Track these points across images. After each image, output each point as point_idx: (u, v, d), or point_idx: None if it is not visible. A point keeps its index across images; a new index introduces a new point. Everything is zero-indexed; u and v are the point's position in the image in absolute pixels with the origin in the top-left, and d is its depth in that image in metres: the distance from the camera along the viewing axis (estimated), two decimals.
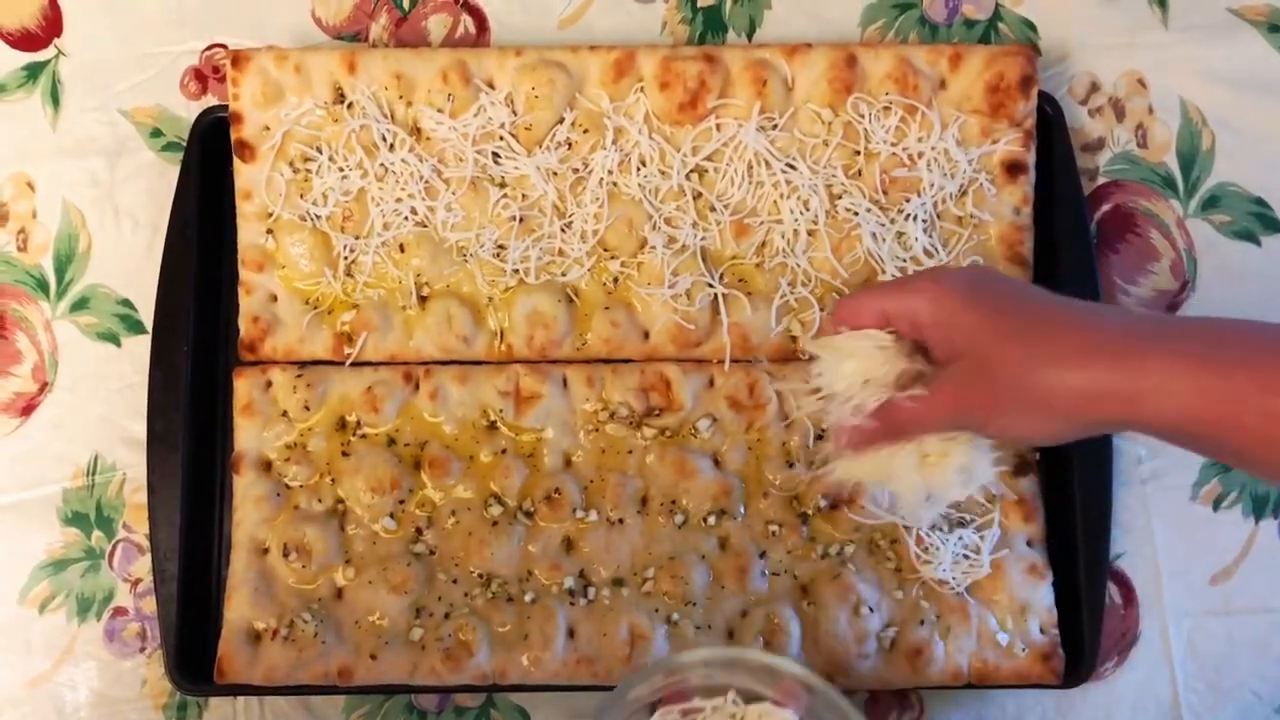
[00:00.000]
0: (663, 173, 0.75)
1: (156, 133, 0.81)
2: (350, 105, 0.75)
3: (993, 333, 0.53)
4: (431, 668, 0.71)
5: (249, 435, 0.74)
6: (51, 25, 0.82)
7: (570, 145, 0.75)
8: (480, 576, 0.73)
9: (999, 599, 0.72)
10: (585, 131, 0.75)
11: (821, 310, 0.74)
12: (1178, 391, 0.49)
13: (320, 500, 0.73)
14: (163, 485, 0.73)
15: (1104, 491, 0.74)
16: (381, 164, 0.75)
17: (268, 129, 0.75)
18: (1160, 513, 0.77)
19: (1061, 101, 0.78)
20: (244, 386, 0.74)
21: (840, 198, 0.75)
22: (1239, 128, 0.80)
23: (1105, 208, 0.80)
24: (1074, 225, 0.76)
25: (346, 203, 0.75)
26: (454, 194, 0.75)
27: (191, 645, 0.72)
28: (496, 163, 0.75)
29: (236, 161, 0.75)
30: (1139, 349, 0.50)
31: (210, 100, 0.81)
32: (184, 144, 0.77)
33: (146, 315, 0.78)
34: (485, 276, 0.75)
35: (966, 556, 0.72)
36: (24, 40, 0.82)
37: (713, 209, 0.75)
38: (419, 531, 0.73)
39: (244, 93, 0.74)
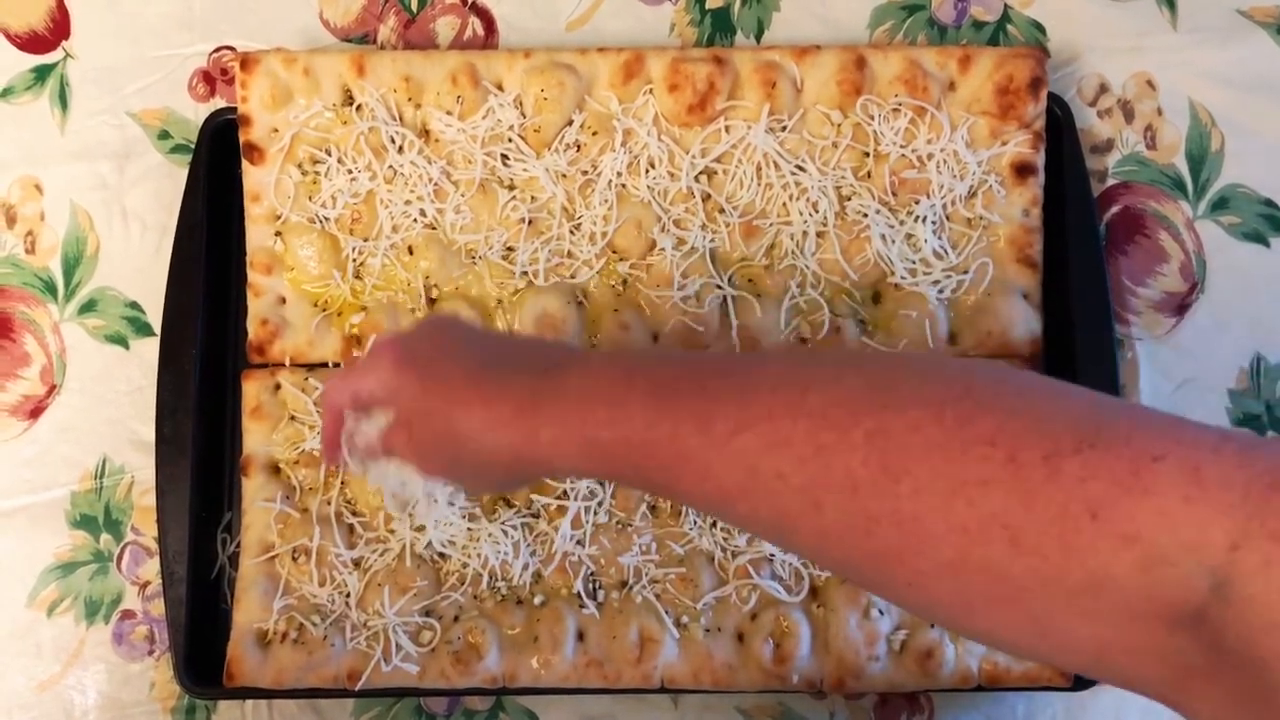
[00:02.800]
0: (671, 175, 0.75)
1: (165, 135, 0.81)
2: (359, 107, 0.75)
3: (419, 393, 0.54)
4: (440, 670, 0.71)
5: (258, 438, 0.74)
6: (59, 28, 0.82)
7: (579, 147, 0.75)
8: (489, 579, 0.73)
9: None
10: (594, 133, 0.75)
11: (831, 313, 0.74)
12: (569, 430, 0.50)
13: (329, 503, 0.73)
14: (171, 488, 0.73)
15: None
16: (390, 166, 0.75)
17: (276, 131, 0.75)
18: None
19: (1070, 103, 0.77)
20: (252, 389, 0.74)
21: (849, 199, 0.75)
22: (1248, 129, 0.80)
23: (1114, 209, 0.80)
24: (1083, 227, 0.75)
25: (355, 205, 0.75)
26: (463, 196, 0.75)
27: (200, 648, 0.72)
28: (505, 165, 0.75)
29: (245, 164, 0.75)
30: (536, 401, 0.51)
31: (218, 103, 0.81)
32: (192, 146, 0.77)
33: (155, 318, 0.78)
34: (494, 278, 0.75)
35: None
36: (32, 43, 0.82)
37: (721, 211, 0.75)
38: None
39: (252, 95, 0.74)
